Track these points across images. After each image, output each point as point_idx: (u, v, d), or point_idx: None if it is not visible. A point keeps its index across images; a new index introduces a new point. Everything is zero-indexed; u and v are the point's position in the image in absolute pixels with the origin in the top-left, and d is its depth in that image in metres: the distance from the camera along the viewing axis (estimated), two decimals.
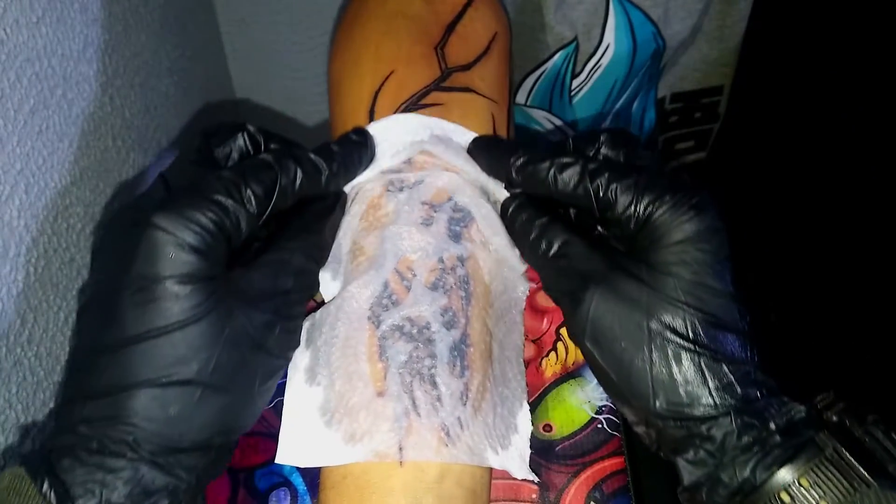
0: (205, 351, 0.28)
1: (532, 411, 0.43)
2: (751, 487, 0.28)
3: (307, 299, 0.35)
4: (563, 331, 0.45)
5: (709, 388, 0.29)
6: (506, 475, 0.40)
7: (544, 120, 0.61)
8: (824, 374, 0.62)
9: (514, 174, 0.35)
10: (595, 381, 0.44)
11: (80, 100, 0.43)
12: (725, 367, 0.29)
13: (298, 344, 0.34)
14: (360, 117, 0.39)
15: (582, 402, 0.44)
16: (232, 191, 0.31)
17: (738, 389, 0.29)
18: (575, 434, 0.43)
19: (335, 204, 0.36)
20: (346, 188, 0.38)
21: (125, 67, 0.49)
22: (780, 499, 0.27)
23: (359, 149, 0.37)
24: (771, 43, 0.57)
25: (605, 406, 0.44)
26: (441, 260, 0.35)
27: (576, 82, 0.58)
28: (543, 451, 0.41)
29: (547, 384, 0.44)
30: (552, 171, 0.34)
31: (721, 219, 0.31)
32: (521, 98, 0.60)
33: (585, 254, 0.33)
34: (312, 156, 0.34)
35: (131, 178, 0.50)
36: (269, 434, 0.43)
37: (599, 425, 0.43)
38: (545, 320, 0.44)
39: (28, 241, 0.37)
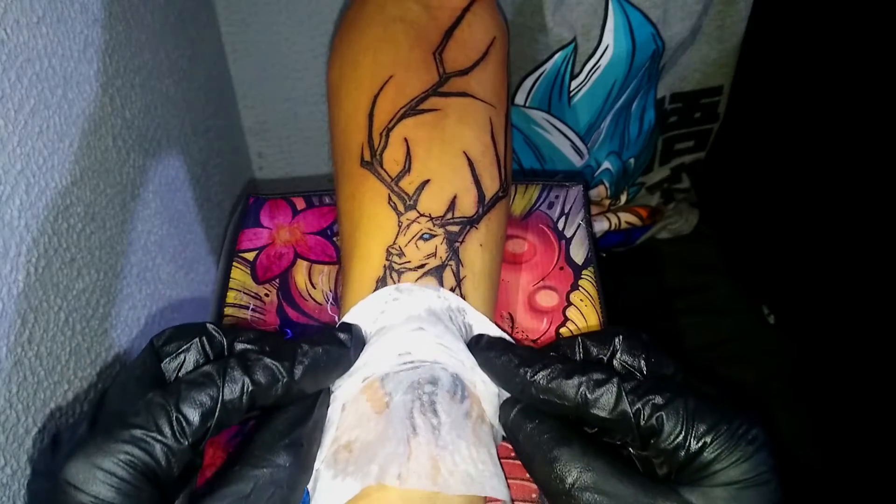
0: None
1: None
2: None
3: None
4: (563, 331, 0.45)
5: None
6: (506, 475, 0.40)
7: (543, 121, 0.61)
8: (824, 373, 0.62)
9: (532, 391, 0.30)
10: None
11: (80, 100, 0.43)
12: None
13: None
14: (358, 122, 0.39)
15: None
16: (159, 420, 0.27)
17: None
18: None
19: (314, 405, 0.31)
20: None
21: (125, 67, 0.50)
22: None
23: (338, 350, 0.32)
24: (771, 43, 0.57)
25: None
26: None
27: (575, 83, 0.58)
28: None
29: None
30: (582, 390, 0.29)
31: (776, 454, 0.28)
32: (520, 99, 0.60)
33: (617, 492, 0.28)
34: (269, 361, 0.29)
35: (131, 178, 0.50)
36: None
37: None
38: (545, 320, 0.44)
39: (28, 241, 0.37)
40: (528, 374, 0.31)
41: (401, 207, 0.37)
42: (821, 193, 0.59)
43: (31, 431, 0.38)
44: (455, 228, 0.37)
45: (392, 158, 0.38)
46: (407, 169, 0.38)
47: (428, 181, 0.37)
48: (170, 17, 0.60)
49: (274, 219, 0.50)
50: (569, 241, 0.47)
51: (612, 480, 0.28)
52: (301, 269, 0.47)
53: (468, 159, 0.38)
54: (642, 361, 0.31)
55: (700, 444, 0.27)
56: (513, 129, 0.63)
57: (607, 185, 0.66)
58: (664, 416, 0.28)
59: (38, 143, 0.38)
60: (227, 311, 0.46)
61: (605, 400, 0.29)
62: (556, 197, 0.49)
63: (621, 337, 0.32)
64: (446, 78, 0.40)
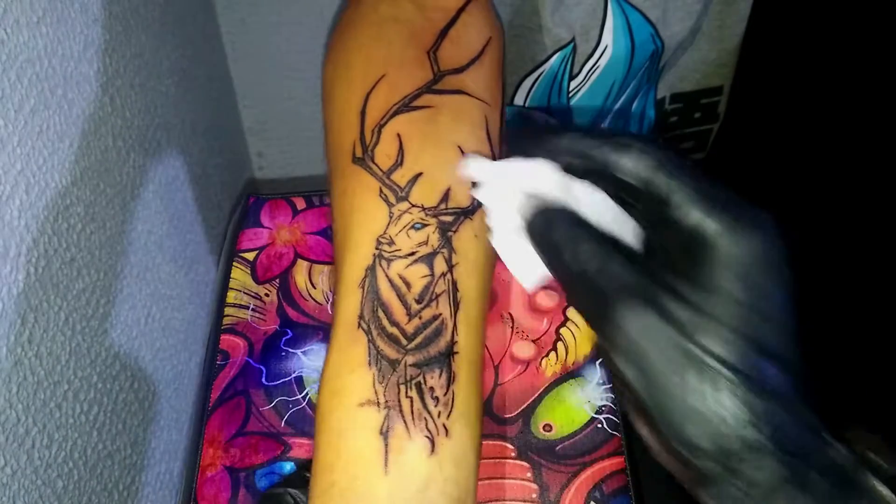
0: None
1: (532, 411, 0.43)
2: None
3: None
4: (564, 331, 0.45)
5: (750, 422, 0.27)
6: (506, 475, 0.40)
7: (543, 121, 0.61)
8: (824, 373, 0.62)
9: (570, 144, 0.32)
10: (595, 380, 0.44)
11: (80, 100, 0.43)
12: (770, 402, 0.27)
13: None
14: (350, 120, 0.39)
15: (582, 401, 0.44)
16: None
17: (782, 427, 0.27)
18: (575, 434, 0.43)
19: None
20: None
21: (125, 68, 0.50)
22: None
23: None
24: (771, 43, 0.57)
25: (604, 406, 0.44)
26: None
27: (574, 83, 0.58)
28: (543, 451, 0.41)
29: (547, 384, 0.44)
30: (609, 149, 0.31)
31: (793, 245, 0.29)
32: (519, 99, 0.60)
33: (621, 266, 0.30)
34: None
35: (131, 178, 0.50)
36: (269, 434, 0.43)
37: (599, 425, 0.43)
38: (545, 320, 0.44)
39: (28, 241, 0.37)
40: (560, 136, 0.32)
41: (392, 199, 0.37)
42: (821, 193, 0.59)
43: (31, 431, 0.38)
44: (449, 218, 0.37)
45: (384, 153, 0.38)
46: (399, 163, 0.37)
47: (421, 174, 0.37)
48: (170, 17, 0.60)
49: (274, 219, 0.50)
50: None
51: (621, 261, 0.29)
52: (301, 269, 0.47)
53: (463, 154, 0.38)
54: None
55: (709, 219, 0.28)
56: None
57: None
58: (681, 187, 0.29)
59: (38, 143, 0.38)
60: (228, 311, 0.46)
61: (631, 160, 0.30)
62: None
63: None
64: (441, 76, 0.40)
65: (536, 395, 0.43)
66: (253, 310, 0.46)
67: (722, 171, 0.67)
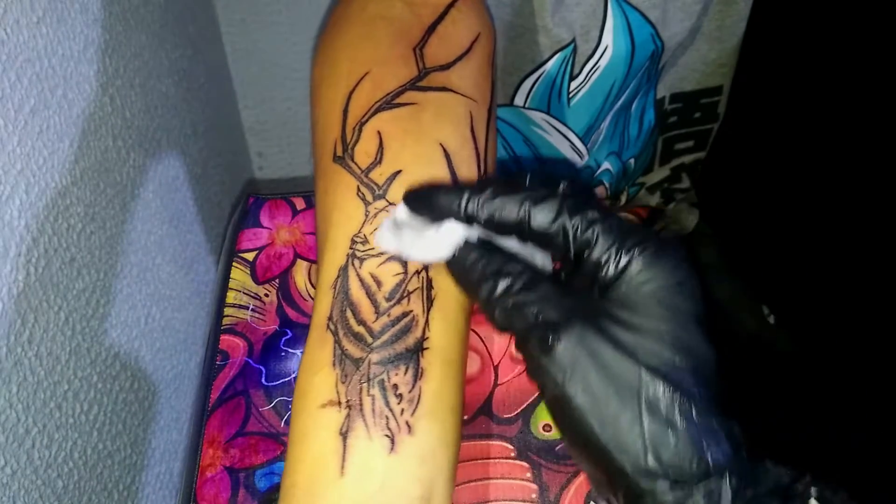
0: None
1: (532, 411, 0.43)
2: None
3: None
4: None
5: (703, 445, 0.27)
6: (505, 475, 0.40)
7: (543, 122, 0.61)
8: (823, 373, 0.62)
9: (478, 209, 0.32)
10: None
11: (80, 100, 0.43)
12: (717, 423, 0.27)
13: None
14: (333, 118, 0.39)
15: None
16: None
17: (730, 448, 0.27)
18: None
19: None
20: None
21: (125, 67, 0.50)
22: None
23: None
24: (771, 43, 0.57)
25: None
26: None
27: (574, 84, 0.58)
28: (543, 451, 0.41)
29: None
30: (526, 205, 0.31)
31: (695, 265, 0.31)
32: (519, 100, 0.60)
33: (556, 292, 0.31)
34: None
35: (131, 178, 0.50)
36: (269, 434, 0.43)
37: None
38: None
39: (28, 241, 0.37)
40: (471, 195, 0.32)
41: (369, 198, 0.36)
42: (821, 193, 0.59)
43: (31, 431, 0.38)
44: None
45: (363, 151, 0.37)
46: (378, 160, 0.37)
47: (400, 171, 0.37)
48: (170, 17, 0.60)
49: (274, 219, 0.50)
50: None
51: (554, 287, 0.31)
52: (301, 269, 0.47)
53: (444, 151, 0.38)
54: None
55: (630, 257, 0.30)
56: (512, 129, 0.63)
57: (607, 185, 0.66)
58: (599, 230, 0.30)
59: (38, 143, 0.38)
60: (227, 311, 0.46)
61: (545, 213, 0.31)
62: None
63: (566, 183, 0.33)
64: (426, 73, 0.39)
65: (536, 395, 0.43)
66: (252, 310, 0.46)
67: (722, 171, 0.67)
